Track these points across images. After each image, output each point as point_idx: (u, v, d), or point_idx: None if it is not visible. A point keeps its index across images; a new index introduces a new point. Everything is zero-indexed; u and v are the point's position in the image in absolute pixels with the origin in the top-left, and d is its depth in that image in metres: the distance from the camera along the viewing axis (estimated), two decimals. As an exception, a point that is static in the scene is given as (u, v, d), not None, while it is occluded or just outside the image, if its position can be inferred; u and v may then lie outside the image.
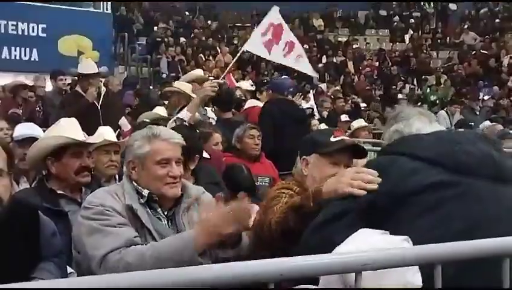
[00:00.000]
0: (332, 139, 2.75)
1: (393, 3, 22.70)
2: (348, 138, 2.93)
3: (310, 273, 1.53)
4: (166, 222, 2.46)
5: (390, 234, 2.02)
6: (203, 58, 17.63)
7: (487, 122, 9.80)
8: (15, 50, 14.61)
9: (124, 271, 1.97)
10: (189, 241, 2.20)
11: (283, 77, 6.71)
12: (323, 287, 1.91)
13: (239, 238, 2.33)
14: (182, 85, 6.00)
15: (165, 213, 2.48)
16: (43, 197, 2.95)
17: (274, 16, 6.77)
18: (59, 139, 3.11)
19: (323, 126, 8.73)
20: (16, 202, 2.30)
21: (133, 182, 2.47)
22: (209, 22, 21.11)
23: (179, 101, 5.56)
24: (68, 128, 3.28)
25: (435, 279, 1.68)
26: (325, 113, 10.65)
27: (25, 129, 4.08)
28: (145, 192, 2.44)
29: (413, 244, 1.94)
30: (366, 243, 1.92)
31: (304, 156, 2.80)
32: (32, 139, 3.89)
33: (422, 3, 22.52)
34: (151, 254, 2.20)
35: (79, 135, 3.31)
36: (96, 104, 6.55)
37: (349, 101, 13.74)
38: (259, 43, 6.59)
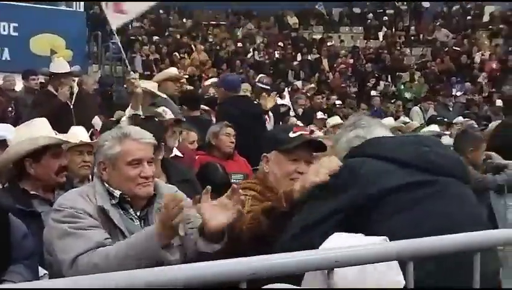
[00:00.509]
0: (291, 135, 2.75)
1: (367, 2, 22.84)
2: (307, 132, 2.89)
3: (283, 271, 1.52)
4: (139, 223, 2.43)
5: (367, 235, 2.02)
6: (178, 57, 17.55)
7: (460, 118, 9.94)
8: (-14, 49, 14.44)
9: (93, 273, 1.96)
10: (150, 236, 2.18)
11: (233, 74, 6.64)
12: (307, 285, 1.92)
13: (222, 233, 2.30)
14: (147, 83, 6.00)
15: (138, 214, 2.45)
16: (15, 198, 2.90)
17: None
18: (40, 140, 3.06)
19: (299, 123, 8.80)
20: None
21: (105, 183, 2.44)
22: (183, 20, 21.03)
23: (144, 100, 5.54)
24: (42, 128, 3.23)
25: (407, 276, 1.69)
26: (300, 111, 10.67)
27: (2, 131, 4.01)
28: (117, 193, 2.41)
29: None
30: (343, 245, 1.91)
31: (265, 154, 2.80)
32: (5, 141, 3.85)
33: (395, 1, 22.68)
34: (115, 253, 2.18)
35: (53, 134, 3.28)
36: (69, 103, 6.48)
37: (325, 99, 13.82)
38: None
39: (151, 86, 5.79)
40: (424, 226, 2.05)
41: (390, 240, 1.92)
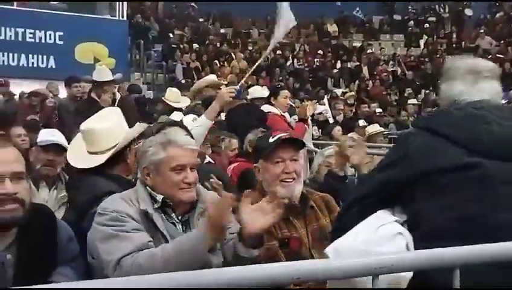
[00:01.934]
0: (270, 140, 2.79)
1: (409, 8, 22.61)
2: (285, 133, 2.91)
3: (324, 277, 1.52)
4: (180, 227, 2.45)
5: (404, 212, 2.09)
6: (218, 65, 17.68)
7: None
8: (32, 58, 14.74)
9: (137, 274, 1.99)
10: (197, 238, 2.18)
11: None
12: None
13: (261, 240, 2.31)
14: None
15: (180, 218, 2.46)
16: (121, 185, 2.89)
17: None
18: (137, 128, 3.17)
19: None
20: (35, 207, 2.33)
21: (147, 188, 2.46)
22: (224, 28, 21.19)
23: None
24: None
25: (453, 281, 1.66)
26: (339, 118, 10.62)
27: (49, 135, 4.10)
28: (159, 197, 2.43)
29: (425, 224, 2.01)
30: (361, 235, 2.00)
31: (255, 164, 2.89)
32: (55, 146, 3.94)
33: (437, 6, 22.40)
34: (162, 254, 2.19)
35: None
36: (112, 110, 6.58)
37: (366, 105, 13.72)
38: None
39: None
40: (461, 210, 2.01)
41: (423, 224, 1.99)
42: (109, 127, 3.06)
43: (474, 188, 2.04)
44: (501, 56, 18.73)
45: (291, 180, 2.74)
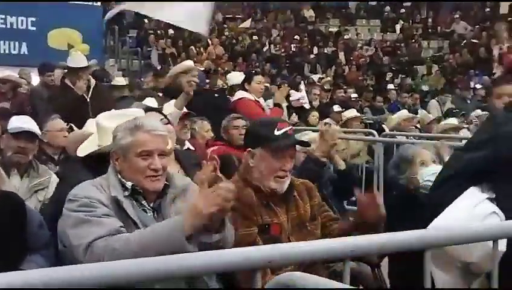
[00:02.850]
0: (276, 132, 2.73)
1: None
2: (290, 129, 2.85)
3: (296, 259, 1.52)
4: (152, 214, 2.42)
5: (493, 190, 2.19)
6: (195, 51, 17.58)
7: (478, 111, 9.85)
8: (4, 44, 14.48)
9: (110, 258, 1.97)
10: (176, 225, 2.16)
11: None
12: None
13: (223, 223, 2.29)
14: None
15: (151, 205, 2.44)
16: None
17: None
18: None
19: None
20: (3, 194, 2.29)
21: (118, 174, 2.43)
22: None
23: None
24: None
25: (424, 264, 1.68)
26: (316, 103, 10.65)
27: (20, 122, 4.00)
28: (129, 184, 2.40)
29: None
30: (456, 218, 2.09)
31: (250, 148, 2.78)
32: (26, 133, 3.84)
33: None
34: (138, 239, 2.16)
35: None
36: (86, 96, 6.50)
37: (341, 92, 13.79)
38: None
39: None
40: None
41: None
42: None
43: None
44: (475, 41, 18.92)
45: (285, 177, 2.72)
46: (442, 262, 1.98)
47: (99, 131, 3.01)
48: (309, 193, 2.90)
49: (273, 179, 2.68)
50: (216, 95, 6.92)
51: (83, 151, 2.98)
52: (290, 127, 2.88)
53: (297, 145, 4.71)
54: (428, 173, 3.33)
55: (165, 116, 3.48)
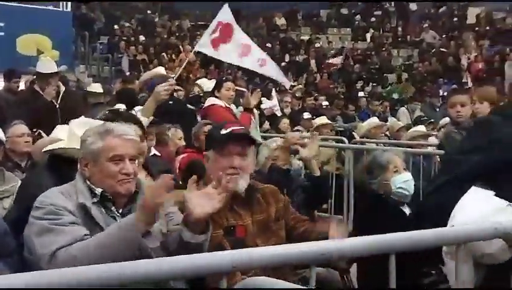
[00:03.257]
0: (223, 132, 2.77)
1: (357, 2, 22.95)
2: (238, 127, 2.88)
3: (261, 264, 1.52)
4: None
5: (497, 194, 2.20)
6: (166, 57, 17.51)
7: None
8: (-29, 49, 14.33)
9: (73, 266, 1.94)
10: (129, 223, 2.16)
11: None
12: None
13: (207, 225, 2.30)
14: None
15: (120, 211, 2.41)
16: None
17: (223, 15, 6.65)
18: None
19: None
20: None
21: (86, 181, 2.40)
22: (171, 20, 21.00)
23: None
24: None
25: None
26: (287, 111, 10.72)
27: None
28: (98, 191, 2.37)
29: None
30: (475, 211, 2.10)
31: (205, 152, 2.88)
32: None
33: (383, 1, 22.79)
34: (94, 243, 2.15)
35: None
36: (55, 102, 6.43)
37: (312, 99, 13.87)
38: (208, 42, 6.48)
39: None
40: None
41: None
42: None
43: None
44: (444, 50, 19.23)
45: (235, 174, 2.72)
46: (463, 255, 2.01)
47: (71, 137, 2.95)
48: (274, 196, 2.92)
49: (224, 177, 2.68)
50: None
51: (47, 148, 2.95)
52: (239, 126, 2.89)
53: (266, 155, 4.76)
54: (400, 181, 3.37)
55: (138, 121, 3.47)
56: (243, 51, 6.57)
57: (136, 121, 3.35)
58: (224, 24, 6.46)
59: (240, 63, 6.73)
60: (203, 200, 2.23)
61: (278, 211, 2.87)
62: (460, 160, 2.45)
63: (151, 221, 2.20)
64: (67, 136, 3.02)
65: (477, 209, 2.13)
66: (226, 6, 6.68)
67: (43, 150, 2.96)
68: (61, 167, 2.82)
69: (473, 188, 2.23)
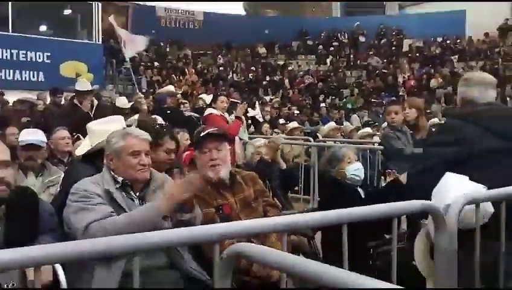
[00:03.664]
0: (201, 134, 2.78)
1: (320, 35, 22.96)
2: (213, 129, 2.86)
3: (242, 234, 1.51)
4: (138, 202, 2.37)
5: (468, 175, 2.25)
6: (175, 78, 17.44)
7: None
8: (25, 73, 14.23)
9: (103, 236, 1.93)
10: (156, 208, 2.16)
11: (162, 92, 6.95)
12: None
13: (193, 205, 2.30)
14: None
15: (137, 194, 2.39)
16: None
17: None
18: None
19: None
20: (20, 189, 2.23)
21: (111, 172, 2.38)
22: (178, 50, 20.91)
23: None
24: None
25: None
26: (267, 117, 10.72)
27: (27, 136, 3.86)
28: (120, 179, 2.35)
29: (486, 186, 2.19)
30: (460, 189, 2.11)
31: (194, 153, 2.87)
32: (31, 145, 3.73)
33: (339, 35, 22.83)
34: (124, 220, 2.14)
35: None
36: (90, 113, 6.37)
37: (287, 109, 13.89)
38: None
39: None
40: (504, 175, 2.28)
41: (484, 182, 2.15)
42: (105, 129, 2.87)
43: (506, 163, 2.34)
44: (385, 71, 19.34)
45: (217, 165, 2.70)
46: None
47: (90, 134, 2.95)
48: (252, 180, 2.89)
49: (209, 169, 2.67)
50: (179, 111, 7.00)
51: (80, 150, 2.94)
52: (214, 128, 2.87)
53: (251, 151, 4.75)
54: (353, 169, 3.36)
55: (151, 127, 3.45)
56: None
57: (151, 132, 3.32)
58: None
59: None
60: (184, 186, 2.20)
61: (256, 192, 2.84)
62: (433, 151, 2.52)
63: (171, 208, 2.19)
64: (88, 134, 3.00)
65: (462, 189, 2.16)
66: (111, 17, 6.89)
67: (77, 153, 2.94)
68: (92, 158, 2.79)
69: (447, 173, 2.26)
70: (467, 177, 2.22)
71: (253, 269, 2.42)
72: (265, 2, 24.86)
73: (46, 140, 3.92)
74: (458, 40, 20.52)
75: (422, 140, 4.74)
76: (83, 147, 2.95)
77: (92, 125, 2.99)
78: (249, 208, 2.76)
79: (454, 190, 2.13)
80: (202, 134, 2.76)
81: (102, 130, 2.84)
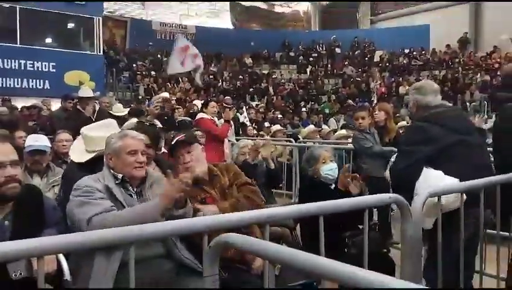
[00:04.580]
0: (172, 143, 2.78)
1: (300, 47, 23.04)
2: (180, 136, 2.83)
3: (226, 226, 1.52)
4: (136, 197, 2.36)
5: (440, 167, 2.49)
6: (170, 86, 17.36)
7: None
8: (32, 81, 14.06)
9: (105, 228, 1.92)
10: (154, 206, 2.14)
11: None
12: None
13: (185, 202, 2.29)
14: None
15: (134, 190, 2.38)
16: None
17: (181, 41, 6.59)
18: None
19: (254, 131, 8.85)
20: (27, 187, 2.20)
21: (111, 170, 2.37)
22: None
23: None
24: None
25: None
26: (253, 121, 10.73)
27: (33, 141, 3.75)
28: (119, 176, 2.34)
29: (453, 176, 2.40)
30: (440, 182, 2.34)
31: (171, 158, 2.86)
32: (37, 151, 3.62)
33: (317, 46, 22.93)
34: (125, 215, 2.12)
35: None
36: (92, 117, 6.31)
37: (271, 113, 13.91)
38: (177, 65, 6.43)
39: None
40: (465, 166, 2.51)
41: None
42: (103, 135, 2.80)
43: (469, 151, 2.60)
44: (359, 79, 19.48)
45: (190, 167, 2.69)
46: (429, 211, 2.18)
47: (85, 139, 2.88)
48: (227, 169, 2.86)
49: (185, 169, 2.64)
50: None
51: (77, 157, 2.85)
52: (182, 136, 2.83)
53: (237, 151, 4.75)
54: (327, 169, 3.35)
55: (147, 129, 3.40)
56: (194, 58, 6.51)
57: (148, 133, 3.29)
58: (182, 47, 6.39)
59: (195, 64, 6.61)
60: (178, 186, 2.17)
61: (230, 179, 2.80)
62: (412, 150, 2.66)
63: (168, 206, 2.17)
64: (82, 138, 2.92)
65: (440, 183, 2.36)
66: (179, 35, 6.59)
67: (75, 160, 2.86)
68: (90, 165, 2.74)
69: (425, 169, 2.39)
70: (441, 172, 2.42)
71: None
72: (252, 16, 24.91)
73: (50, 145, 3.84)
74: (423, 52, 20.76)
75: (392, 141, 4.82)
76: (79, 153, 2.86)
77: (88, 132, 2.89)
78: (227, 195, 2.74)
79: (434, 184, 2.26)
80: (173, 142, 2.77)
81: (100, 136, 2.77)
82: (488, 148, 2.95)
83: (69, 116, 6.67)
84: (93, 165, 2.64)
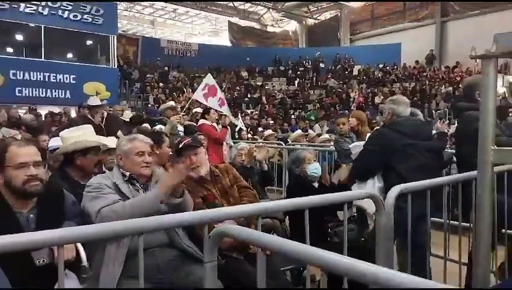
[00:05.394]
0: (180, 146, 2.74)
1: (289, 62, 23.08)
2: (188, 140, 2.79)
3: (225, 218, 1.51)
4: (142, 192, 2.33)
5: (390, 168, 2.72)
6: (176, 96, 17.31)
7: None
8: (55, 91, 14.00)
9: (112, 217, 1.91)
10: (153, 194, 2.13)
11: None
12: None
13: (183, 192, 2.28)
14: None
15: (141, 186, 2.36)
16: (67, 183, 2.56)
17: (208, 79, 6.63)
18: (90, 142, 2.73)
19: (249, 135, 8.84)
20: (49, 183, 2.18)
21: (120, 169, 2.36)
22: (179, 73, 20.78)
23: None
24: (90, 135, 2.95)
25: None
26: (248, 126, 10.71)
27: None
28: (127, 174, 2.33)
29: (403, 174, 2.58)
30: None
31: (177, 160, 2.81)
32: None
33: (304, 62, 22.99)
34: (130, 204, 2.11)
35: (96, 139, 2.93)
36: (101, 124, 6.24)
37: (263, 120, 13.91)
38: (201, 95, 6.44)
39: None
40: (415, 167, 2.67)
41: (400, 179, 2.40)
42: (73, 136, 2.81)
43: (416, 152, 2.75)
44: (340, 90, 19.53)
45: (196, 167, 2.67)
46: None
47: (63, 140, 2.85)
48: (227, 171, 2.84)
49: (191, 171, 2.63)
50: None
51: (57, 152, 2.87)
52: (189, 139, 2.80)
53: (234, 153, 4.74)
54: (312, 168, 3.36)
55: (153, 134, 3.38)
56: (221, 102, 6.56)
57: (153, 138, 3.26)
58: (210, 85, 6.43)
59: (218, 108, 6.60)
60: (176, 174, 2.16)
61: (231, 180, 2.80)
62: (372, 149, 2.86)
63: (167, 193, 2.15)
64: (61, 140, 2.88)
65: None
66: (209, 75, 6.66)
67: (55, 152, 2.86)
68: (62, 163, 2.73)
69: (371, 179, 2.57)
70: (376, 179, 2.72)
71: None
72: (247, 35, 24.96)
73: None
74: (395, 66, 20.88)
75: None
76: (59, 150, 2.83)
77: (63, 133, 2.90)
78: (227, 195, 2.74)
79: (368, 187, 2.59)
80: (180, 145, 2.73)
81: (71, 136, 2.78)
82: (442, 152, 3.12)
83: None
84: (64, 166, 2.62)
